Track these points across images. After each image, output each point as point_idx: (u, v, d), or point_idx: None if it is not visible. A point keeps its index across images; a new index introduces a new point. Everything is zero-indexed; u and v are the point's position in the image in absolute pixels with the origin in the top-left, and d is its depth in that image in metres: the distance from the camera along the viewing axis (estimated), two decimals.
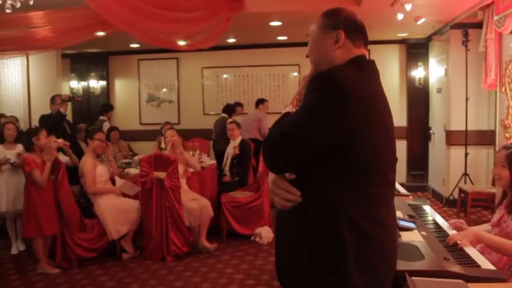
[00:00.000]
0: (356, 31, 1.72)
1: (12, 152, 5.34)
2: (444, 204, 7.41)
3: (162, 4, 4.96)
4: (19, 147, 5.39)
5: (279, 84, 9.25)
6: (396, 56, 8.86)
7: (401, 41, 8.71)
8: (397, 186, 4.08)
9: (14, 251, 5.43)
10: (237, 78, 9.41)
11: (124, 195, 5.43)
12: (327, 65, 1.68)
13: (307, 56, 1.83)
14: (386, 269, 1.67)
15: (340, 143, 1.53)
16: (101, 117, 8.02)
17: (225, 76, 9.47)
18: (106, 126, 7.54)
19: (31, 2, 3.95)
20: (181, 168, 5.28)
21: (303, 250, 1.61)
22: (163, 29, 5.54)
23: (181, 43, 6.47)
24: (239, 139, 6.39)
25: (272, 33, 7.97)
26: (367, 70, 1.68)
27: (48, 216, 4.74)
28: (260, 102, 8.15)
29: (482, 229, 2.86)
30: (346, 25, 1.70)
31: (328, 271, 1.57)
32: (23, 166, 4.77)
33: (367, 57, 1.75)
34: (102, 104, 8.67)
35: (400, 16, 5.52)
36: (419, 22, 6.22)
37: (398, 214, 2.84)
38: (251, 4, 5.70)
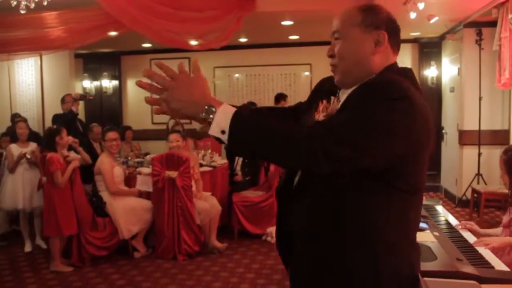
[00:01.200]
0: (396, 35, 1.52)
1: (26, 150, 5.41)
2: (457, 204, 7.35)
3: (174, 4, 4.99)
4: (32, 145, 5.48)
5: (290, 83, 9.24)
6: (409, 56, 8.80)
7: (414, 40, 8.65)
8: None
9: (27, 248, 5.49)
10: (248, 77, 9.41)
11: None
12: (360, 69, 1.47)
13: (330, 56, 1.53)
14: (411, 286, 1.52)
15: (396, 161, 1.36)
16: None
17: (236, 75, 9.48)
18: None
19: (45, 3, 3.99)
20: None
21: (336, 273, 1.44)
22: (174, 29, 5.57)
23: (193, 42, 6.49)
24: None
25: (283, 32, 7.96)
26: (415, 82, 1.48)
27: (67, 216, 4.78)
28: (281, 97, 7.80)
29: (495, 234, 2.85)
30: (388, 26, 1.48)
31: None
32: (47, 165, 4.80)
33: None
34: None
35: (412, 15, 5.48)
36: (432, 21, 6.17)
37: None
38: (262, 4, 5.70)
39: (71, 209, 4.85)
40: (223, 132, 1.30)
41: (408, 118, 1.31)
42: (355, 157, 1.28)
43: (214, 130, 1.31)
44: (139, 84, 1.39)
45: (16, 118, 6.79)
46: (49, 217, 4.77)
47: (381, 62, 1.47)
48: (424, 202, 3.47)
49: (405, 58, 8.77)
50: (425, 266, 2.01)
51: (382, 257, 1.41)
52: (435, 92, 8.64)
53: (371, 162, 1.31)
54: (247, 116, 1.33)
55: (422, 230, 2.57)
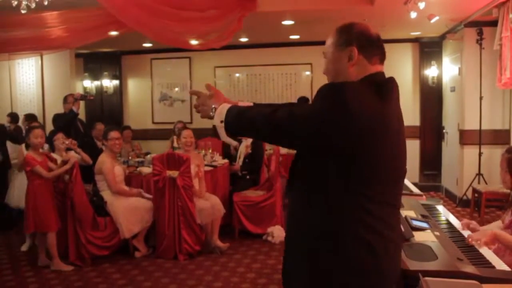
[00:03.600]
0: (369, 46, 1.69)
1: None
2: (458, 204, 7.35)
3: (175, 4, 4.98)
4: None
5: (291, 83, 9.24)
6: (409, 55, 8.80)
7: (414, 40, 8.64)
8: (410, 185, 4.06)
9: (24, 248, 5.51)
10: (249, 77, 9.41)
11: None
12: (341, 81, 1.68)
13: (324, 73, 1.81)
14: (379, 280, 1.63)
15: (328, 157, 1.58)
16: None
17: (237, 75, 9.48)
18: None
19: (46, 3, 3.99)
20: (193, 169, 5.29)
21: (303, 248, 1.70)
22: (175, 29, 5.56)
23: (194, 42, 6.48)
24: (251, 138, 6.39)
25: (284, 32, 7.96)
26: (381, 91, 1.62)
27: (47, 213, 4.79)
28: (304, 101, 7.97)
29: (495, 226, 2.84)
30: (358, 41, 1.68)
31: (322, 274, 1.62)
32: (24, 166, 4.84)
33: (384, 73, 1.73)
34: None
35: (413, 15, 5.48)
36: (432, 21, 6.17)
37: (411, 213, 2.83)
38: (263, 3, 5.70)
39: (52, 206, 4.86)
40: (222, 121, 1.75)
41: (340, 119, 1.50)
42: (287, 133, 1.59)
43: (215, 121, 1.78)
44: (191, 92, 2.06)
45: (29, 120, 6.75)
46: (29, 214, 4.78)
47: (358, 73, 1.67)
48: (425, 201, 3.48)
49: (405, 58, 8.77)
50: (426, 265, 2.01)
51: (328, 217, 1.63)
52: (435, 91, 8.63)
53: (298, 141, 1.60)
54: (238, 107, 1.77)
55: (423, 229, 2.57)
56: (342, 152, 1.54)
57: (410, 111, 8.47)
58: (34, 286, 4.48)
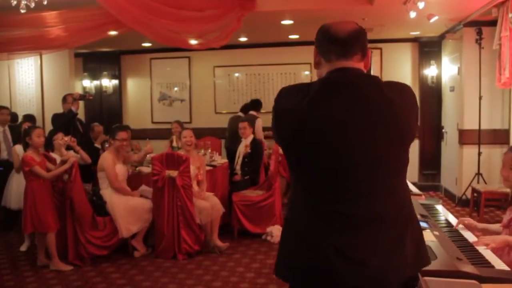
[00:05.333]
0: (323, 43, 1.70)
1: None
2: (457, 203, 7.36)
3: (174, 3, 4.98)
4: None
5: (290, 82, 9.20)
6: (409, 55, 8.79)
7: (414, 40, 8.64)
8: (409, 185, 4.06)
9: (23, 248, 5.51)
10: (248, 76, 9.41)
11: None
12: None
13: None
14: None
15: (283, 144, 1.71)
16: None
17: (236, 75, 9.48)
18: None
19: (45, 2, 3.99)
20: (193, 171, 5.28)
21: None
22: (175, 28, 5.57)
23: (193, 42, 6.49)
24: (250, 138, 6.40)
25: (283, 31, 7.96)
26: (323, 89, 1.63)
27: (46, 214, 4.78)
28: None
29: (493, 230, 2.84)
30: (317, 40, 1.73)
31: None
32: (23, 166, 4.84)
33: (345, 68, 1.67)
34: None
35: (412, 15, 5.48)
36: (431, 20, 6.17)
37: None
38: (262, 3, 5.70)
39: (51, 206, 4.87)
40: None
41: (273, 116, 1.69)
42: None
43: None
44: None
45: (29, 121, 6.78)
46: (27, 214, 4.77)
47: (321, 73, 1.71)
48: (424, 201, 3.48)
49: (404, 57, 8.77)
50: None
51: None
52: (435, 91, 8.64)
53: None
54: None
55: (423, 229, 2.57)
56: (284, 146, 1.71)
57: None
58: (33, 286, 4.48)
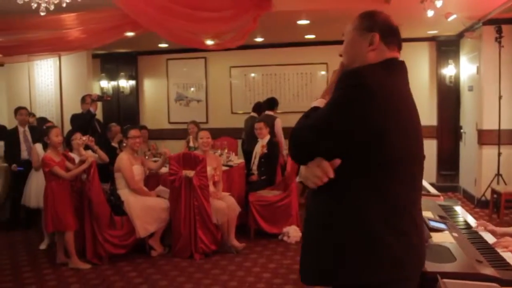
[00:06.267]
0: (390, 35, 1.77)
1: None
2: (476, 205, 7.26)
3: (191, 4, 5.00)
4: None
5: (306, 83, 9.21)
6: (426, 54, 8.71)
7: (431, 39, 8.56)
8: (427, 186, 4.01)
9: (42, 246, 5.60)
10: (265, 77, 9.41)
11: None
12: (358, 64, 1.74)
13: (340, 55, 1.87)
14: (414, 266, 1.71)
15: (361, 139, 1.59)
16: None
17: (253, 75, 9.48)
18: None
19: (64, 5, 4.03)
20: (209, 171, 5.30)
21: (327, 245, 1.67)
22: (191, 29, 5.59)
23: (209, 42, 6.51)
24: (267, 138, 6.39)
25: (300, 31, 7.94)
26: (394, 70, 1.73)
27: (64, 213, 4.86)
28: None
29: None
30: (381, 28, 1.75)
31: (351, 264, 1.63)
32: (43, 167, 4.91)
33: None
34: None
35: (430, 13, 5.42)
36: (450, 19, 6.09)
37: (429, 214, 2.80)
38: (279, 3, 5.69)
39: (70, 205, 4.93)
40: None
41: (364, 101, 1.57)
42: (322, 141, 1.63)
43: None
44: None
45: (41, 123, 6.90)
46: (48, 214, 4.86)
47: (375, 58, 1.73)
48: (442, 202, 3.44)
49: (422, 57, 8.69)
50: (444, 267, 1.99)
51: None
52: (453, 91, 8.53)
53: (337, 141, 1.61)
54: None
55: (441, 231, 2.54)
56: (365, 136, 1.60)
57: (426, 111, 8.39)
58: (52, 283, 4.55)
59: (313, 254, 1.71)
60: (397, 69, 1.75)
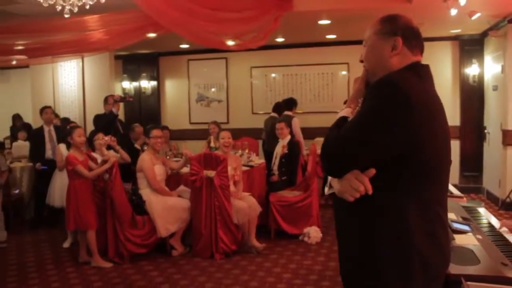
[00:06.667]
0: (413, 38, 1.73)
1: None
2: (500, 207, 7.13)
3: (212, 5, 5.03)
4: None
5: (328, 83, 9.17)
6: (449, 54, 8.59)
7: (454, 38, 8.44)
8: (450, 187, 3.95)
9: (66, 244, 5.69)
10: (285, 77, 9.40)
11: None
12: (383, 71, 1.70)
13: (361, 61, 1.83)
14: (441, 269, 1.70)
15: (401, 149, 1.56)
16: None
17: (273, 75, 9.48)
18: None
19: (88, 7, 4.09)
20: (230, 170, 5.31)
21: (367, 251, 1.64)
22: (212, 29, 5.62)
23: (230, 43, 6.53)
24: (287, 138, 6.38)
25: (321, 31, 7.91)
26: (424, 76, 1.70)
27: (86, 212, 4.92)
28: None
29: None
30: (404, 32, 1.72)
31: (392, 272, 1.60)
32: (66, 165, 4.99)
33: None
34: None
35: (453, 12, 5.34)
36: (473, 17, 6.00)
37: (452, 216, 2.76)
38: (300, 3, 5.68)
39: (92, 205, 5.00)
40: None
41: (403, 110, 1.53)
42: (360, 152, 1.58)
43: None
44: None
45: (67, 122, 7.03)
46: (70, 212, 4.94)
47: (399, 62, 1.70)
48: (466, 204, 3.38)
49: (445, 56, 8.58)
50: (468, 269, 1.96)
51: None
52: (476, 90, 8.40)
53: (376, 151, 1.57)
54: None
55: (464, 232, 2.50)
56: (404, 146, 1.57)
57: (449, 111, 8.21)
58: (75, 281, 4.61)
59: (355, 268, 1.69)
60: (426, 74, 1.72)
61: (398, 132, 1.54)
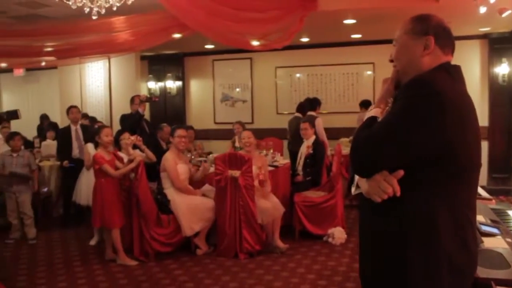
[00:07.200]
0: (445, 37, 1.71)
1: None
2: None
3: (237, 5, 5.04)
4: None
5: (353, 83, 9.10)
6: (477, 52, 8.43)
7: (483, 36, 8.28)
8: (478, 189, 3.88)
9: (92, 242, 5.78)
10: (310, 77, 9.36)
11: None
12: (414, 71, 1.68)
13: (391, 61, 1.81)
14: (469, 272, 1.67)
15: (433, 150, 1.54)
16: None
17: (298, 75, 9.46)
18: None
19: (115, 8, 4.15)
20: (255, 170, 5.31)
21: (394, 252, 1.62)
22: (237, 30, 5.63)
23: (255, 43, 6.54)
24: (312, 138, 6.36)
25: (346, 31, 7.86)
26: (456, 77, 1.68)
27: (111, 210, 4.99)
28: (363, 105, 7.92)
29: None
30: (436, 31, 1.69)
31: (419, 273, 1.58)
32: (93, 164, 5.07)
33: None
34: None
35: (482, 10, 5.23)
36: (504, 15, 5.86)
37: (480, 218, 2.71)
38: (325, 3, 5.64)
39: (117, 203, 5.07)
40: None
41: (437, 110, 1.51)
42: (393, 152, 1.56)
43: None
44: None
45: (94, 121, 7.17)
46: (96, 210, 5.02)
47: (431, 62, 1.68)
48: (494, 206, 3.32)
49: (473, 55, 8.42)
50: (498, 273, 1.92)
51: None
52: (506, 90, 8.23)
53: (409, 151, 1.55)
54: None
55: (493, 235, 2.45)
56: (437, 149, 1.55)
57: (478, 111, 7.82)
58: (101, 278, 4.68)
59: (381, 269, 1.67)
60: (458, 75, 1.70)
61: (430, 132, 1.52)
